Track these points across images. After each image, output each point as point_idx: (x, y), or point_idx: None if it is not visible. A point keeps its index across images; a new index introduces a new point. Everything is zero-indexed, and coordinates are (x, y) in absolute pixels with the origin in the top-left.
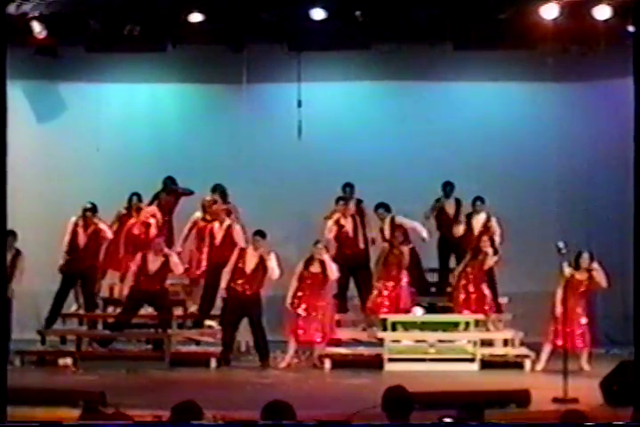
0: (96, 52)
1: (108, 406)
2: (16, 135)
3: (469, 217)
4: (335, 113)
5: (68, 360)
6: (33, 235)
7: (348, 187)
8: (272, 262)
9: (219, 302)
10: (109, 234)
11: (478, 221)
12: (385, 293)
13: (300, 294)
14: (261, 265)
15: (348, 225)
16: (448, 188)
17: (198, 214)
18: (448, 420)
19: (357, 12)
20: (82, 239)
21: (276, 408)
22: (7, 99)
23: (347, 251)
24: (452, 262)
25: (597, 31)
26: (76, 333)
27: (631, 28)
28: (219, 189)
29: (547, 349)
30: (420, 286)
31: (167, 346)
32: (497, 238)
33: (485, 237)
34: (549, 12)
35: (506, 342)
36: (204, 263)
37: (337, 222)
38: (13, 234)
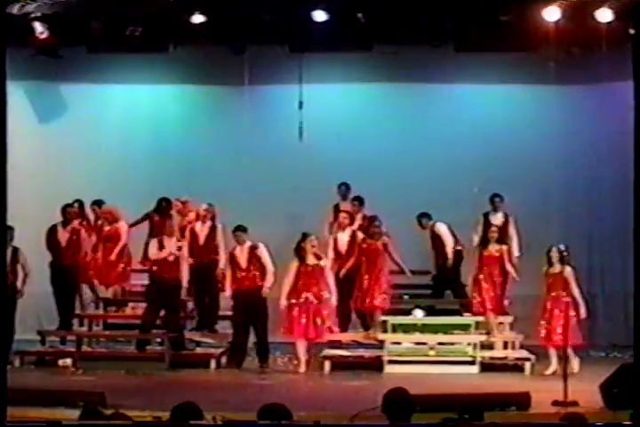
0: (97, 53)
1: (108, 407)
2: (17, 135)
3: (486, 215)
4: (336, 115)
5: (68, 361)
6: (33, 235)
7: (344, 186)
8: (263, 253)
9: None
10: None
11: (497, 219)
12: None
13: (298, 290)
14: (254, 256)
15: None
16: (497, 199)
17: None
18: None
19: (359, 14)
20: (62, 237)
21: (272, 411)
22: (8, 99)
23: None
24: None
25: (600, 34)
26: (76, 333)
27: (632, 31)
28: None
29: (552, 351)
30: None
31: (167, 347)
32: (514, 248)
33: (494, 228)
34: (552, 15)
35: (506, 345)
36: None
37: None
38: (10, 229)
